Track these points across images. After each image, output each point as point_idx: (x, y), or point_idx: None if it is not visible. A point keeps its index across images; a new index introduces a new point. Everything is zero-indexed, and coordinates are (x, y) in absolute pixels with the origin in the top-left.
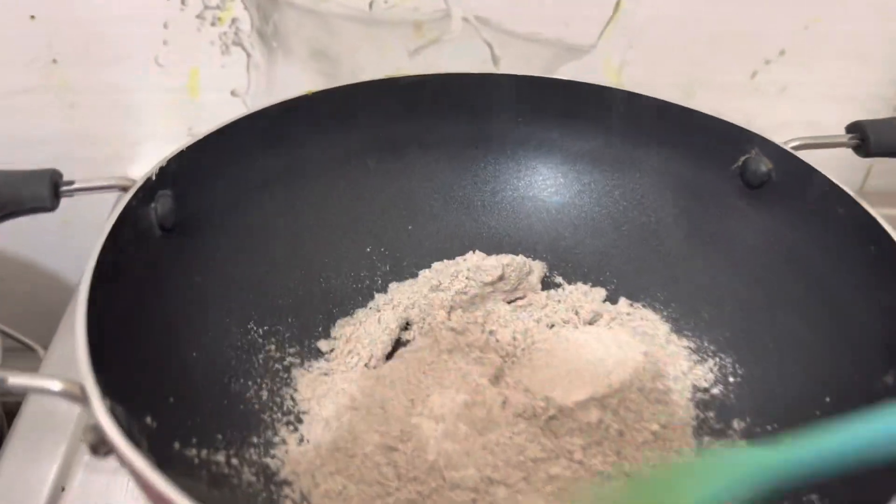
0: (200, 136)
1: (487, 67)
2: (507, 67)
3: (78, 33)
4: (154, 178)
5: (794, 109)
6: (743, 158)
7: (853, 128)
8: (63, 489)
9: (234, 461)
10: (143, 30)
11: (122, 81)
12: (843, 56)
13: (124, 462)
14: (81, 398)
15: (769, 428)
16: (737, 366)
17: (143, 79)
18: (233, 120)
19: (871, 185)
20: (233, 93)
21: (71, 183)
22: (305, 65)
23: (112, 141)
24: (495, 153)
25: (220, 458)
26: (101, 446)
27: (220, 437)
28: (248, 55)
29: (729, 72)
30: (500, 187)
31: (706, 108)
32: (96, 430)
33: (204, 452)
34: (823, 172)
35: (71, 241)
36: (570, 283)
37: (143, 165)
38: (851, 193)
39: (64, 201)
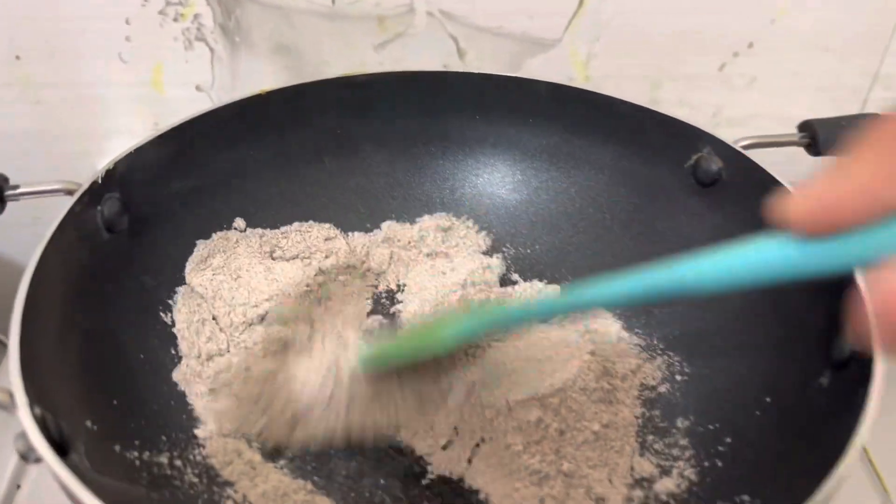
0: (149, 139)
1: (453, 61)
2: (472, 61)
3: (40, 30)
4: (100, 181)
5: (763, 101)
6: (695, 157)
7: (804, 127)
8: (18, 487)
9: (178, 462)
10: (106, 26)
11: (87, 78)
12: (811, 48)
13: (50, 469)
14: (10, 406)
15: (710, 427)
16: (684, 364)
17: (108, 75)
18: (183, 121)
19: None
20: (198, 87)
21: (16, 187)
22: (269, 59)
23: (79, 137)
24: (453, 150)
25: (164, 459)
26: (30, 453)
27: (164, 438)
28: (212, 50)
29: (696, 64)
30: (458, 184)
31: (674, 101)
32: (24, 437)
33: (146, 454)
34: (770, 171)
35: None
36: (525, 279)
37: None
38: (792, 189)
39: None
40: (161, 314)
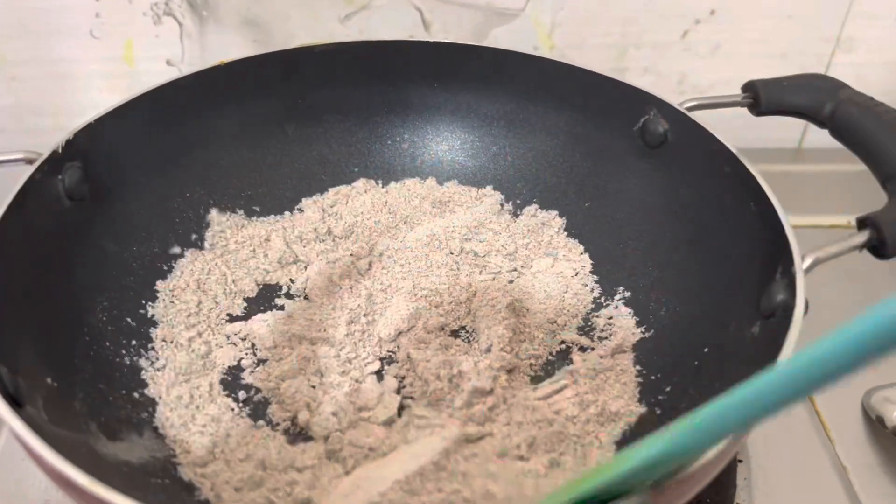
0: (110, 108)
1: (418, 32)
2: (437, 32)
3: (12, 8)
4: (60, 150)
5: (728, 68)
6: (642, 120)
7: (747, 87)
8: None
9: (134, 418)
10: (75, 2)
11: (60, 54)
12: (773, 15)
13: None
14: None
15: (652, 378)
16: (635, 317)
17: (80, 51)
18: (144, 91)
19: (809, 140)
20: (168, 62)
21: None
22: (237, 33)
23: (54, 112)
24: (413, 118)
25: (121, 415)
26: None
27: (122, 395)
28: (181, 25)
29: (660, 32)
30: (419, 152)
31: (639, 69)
32: None
33: (105, 411)
34: (717, 133)
35: None
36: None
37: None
38: (735, 152)
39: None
40: (121, 279)
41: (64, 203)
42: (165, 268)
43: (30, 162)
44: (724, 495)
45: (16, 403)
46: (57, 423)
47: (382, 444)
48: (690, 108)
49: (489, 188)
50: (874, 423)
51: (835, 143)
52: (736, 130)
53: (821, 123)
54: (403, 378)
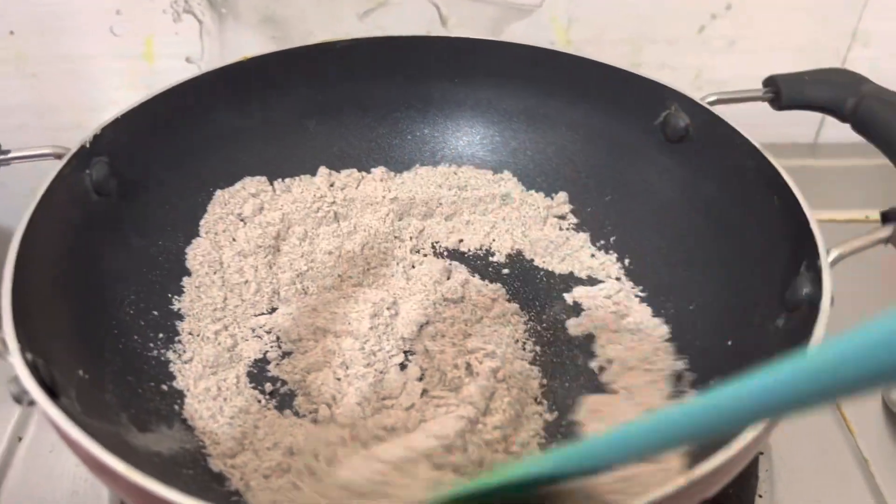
0: (135, 104)
1: (435, 28)
2: (455, 27)
3: (33, 5)
4: (88, 145)
5: (744, 63)
6: (664, 114)
7: (768, 82)
8: (20, 439)
9: (164, 411)
10: (96, 0)
11: (80, 51)
12: (789, 9)
13: (42, 410)
14: (3, 352)
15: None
16: (661, 310)
17: (100, 48)
18: (168, 87)
19: (826, 135)
20: (188, 59)
21: (7, 152)
22: (256, 30)
23: (73, 110)
24: (433, 114)
25: (151, 407)
26: (23, 396)
27: (151, 388)
28: (200, 22)
29: (675, 27)
30: (438, 147)
31: (655, 64)
32: (17, 381)
33: (135, 403)
34: (737, 127)
35: None
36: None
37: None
38: (758, 146)
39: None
40: (148, 273)
41: (91, 197)
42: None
43: (58, 157)
44: (745, 487)
45: (52, 394)
46: (90, 415)
47: (403, 424)
48: (712, 103)
49: (506, 173)
50: (894, 416)
51: (851, 138)
52: (752, 126)
53: (843, 118)
54: (425, 370)
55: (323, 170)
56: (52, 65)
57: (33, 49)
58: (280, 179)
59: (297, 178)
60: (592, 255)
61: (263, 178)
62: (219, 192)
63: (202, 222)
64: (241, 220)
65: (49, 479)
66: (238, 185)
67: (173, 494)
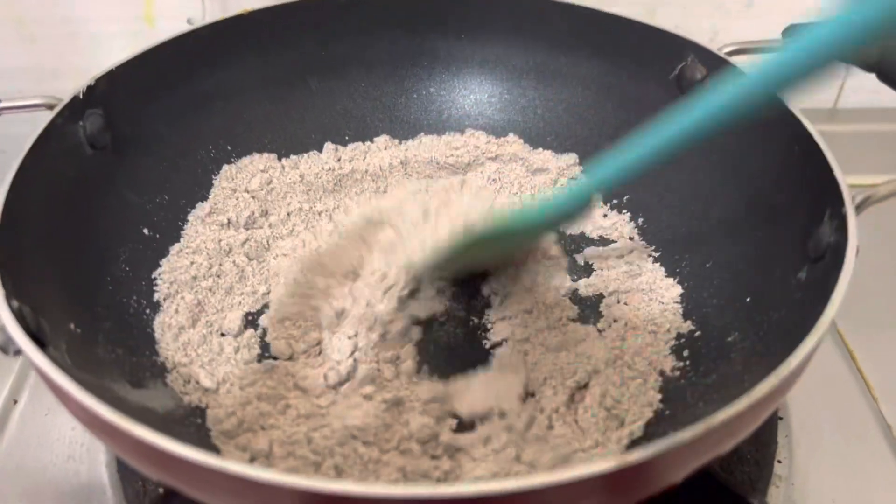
0: (131, 56)
1: None
2: None
3: None
4: (81, 96)
5: (761, 24)
6: (679, 66)
7: (788, 31)
8: (15, 402)
9: (158, 362)
10: None
11: (79, 13)
12: None
13: (29, 360)
14: None
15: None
16: (676, 269)
17: (99, 10)
18: (166, 39)
19: (845, 101)
20: (189, 21)
21: None
22: None
23: (73, 72)
24: (440, 71)
25: (144, 360)
26: (8, 345)
27: (144, 342)
28: None
29: None
30: (445, 106)
31: (669, 27)
32: (2, 329)
33: (128, 357)
34: None
35: None
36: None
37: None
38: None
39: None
40: (144, 230)
41: (86, 150)
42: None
43: (50, 108)
44: (764, 452)
45: (39, 343)
46: (80, 368)
47: None
48: (729, 54)
49: (511, 135)
50: None
51: (871, 103)
52: None
53: (868, 68)
54: None
55: (329, 145)
56: (51, 27)
57: (33, 11)
58: (287, 157)
59: (304, 154)
60: (605, 215)
61: (273, 155)
62: (226, 167)
63: (210, 197)
64: (251, 196)
65: (45, 442)
66: (246, 160)
67: (176, 446)
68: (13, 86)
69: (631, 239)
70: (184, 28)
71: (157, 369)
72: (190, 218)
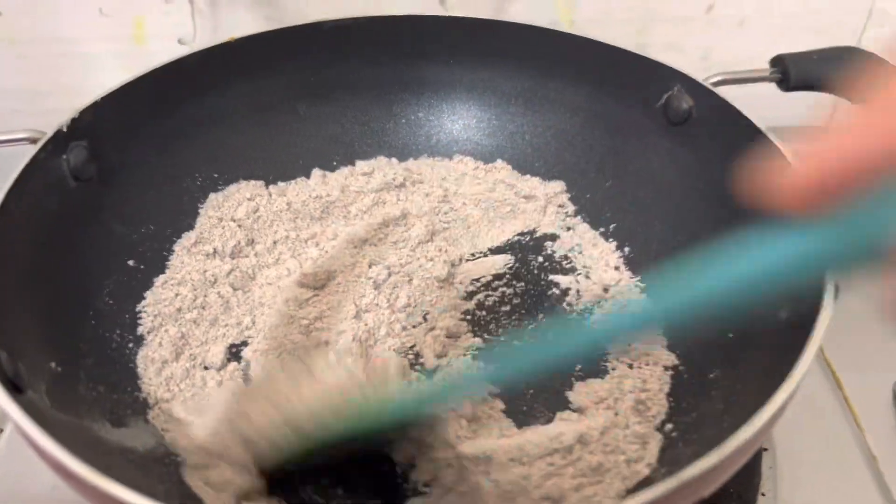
0: (117, 87)
1: (433, 8)
2: (454, 7)
3: None
4: (65, 129)
5: (756, 43)
6: (666, 96)
7: (775, 62)
8: (1, 431)
9: (140, 399)
10: None
11: (69, 33)
12: None
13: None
14: None
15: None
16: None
17: (90, 29)
18: (151, 69)
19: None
20: (180, 41)
21: None
22: (250, 11)
23: (64, 92)
24: (428, 96)
25: (127, 398)
26: None
27: (127, 380)
28: (191, 2)
29: (683, 5)
30: (434, 131)
31: (661, 45)
32: None
33: (111, 396)
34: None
35: None
36: None
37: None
38: (762, 127)
39: None
40: (129, 261)
41: (69, 183)
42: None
43: (33, 141)
44: (748, 485)
45: (16, 389)
46: (60, 409)
47: None
48: (716, 84)
49: (500, 161)
50: None
51: None
52: (762, 108)
53: (854, 101)
54: None
55: (317, 171)
56: (41, 47)
57: (23, 30)
58: (274, 183)
59: (291, 181)
60: (593, 244)
61: (260, 182)
62: (212, 195)
63: (196, 226)
64: (238, 225)
65: (30, 471)
66: (233, 188)
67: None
68: (5, 105)
69: (616, 269)
70: (174, 51)
71: (139, 406)
72: (176, 248)
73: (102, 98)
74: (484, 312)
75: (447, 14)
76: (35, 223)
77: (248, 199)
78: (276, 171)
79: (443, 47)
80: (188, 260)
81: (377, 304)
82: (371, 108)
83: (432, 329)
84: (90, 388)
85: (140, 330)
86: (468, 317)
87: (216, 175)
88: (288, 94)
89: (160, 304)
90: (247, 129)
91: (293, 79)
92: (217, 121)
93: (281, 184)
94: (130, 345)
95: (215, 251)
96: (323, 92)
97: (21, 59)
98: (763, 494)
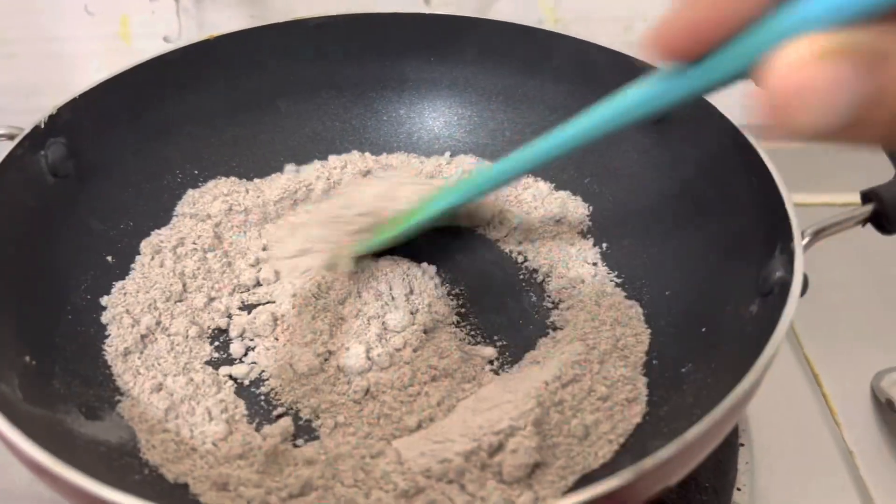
0: (95, 84)
1: (417, 6)
2: (438, 5)
3: None
4: (43, 125)
5: None
6: None
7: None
8: None
9: (114, 396)
10: None
11: (56, 31)
12: None
13: None
14: None
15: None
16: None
17: (76, 28)
18: (130, 66)
19: None
20: (165, 39)
21: None
22: (235, 9)
23: (53, 90)
24: (409, 94)
25: (102, 393)
26: None
27: (102, 375)
28: (177, 0)
29: (669, 3)
30: (415, 128)
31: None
32: None
33: (85, 391)
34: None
35: None
36: None
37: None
38: (737, 124)
39: None
40: (108, 257)
41: (47, 180)
42: None
43: (11, 138)
44: (723, 480)
45: None
46: (32, 402)
47: None
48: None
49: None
50: (883, 406)
51: None
52: (740, 106)
53: None
54: None
55: (290, 166)
56: (28, 45)
57: (10, 30)
58: (249, 179)
59: (267, 178)
60: (571, 244)
61: (234, 179)
62: (190, 192)
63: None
64: (211, 221)
65: (7, 463)
66: (211, 184)
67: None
68: None
69: (594, 264)
70: (160, 49)
71: (112, 398)
72: (143, 244)
73: (81, 95)
74: None
75: (430, 12)
76: (12, 219)
77: (225, 195)
78: (256, 167)
79: (424, 45)
80: (157, 257)
81: None
82: (352, 105)
83: None
84: (65, 381)
85: (104, 320)
86: None
87: (196, 172)
88: (268, 91)
89: (128, 296)
90: (227, 126)
91: (274, 76)
92: (197, 118)
93: (258, 180)
94: (105, 339)
95: (184, 245)
96: (304, 89)
97: (7, 57)
98: (739, 489)
